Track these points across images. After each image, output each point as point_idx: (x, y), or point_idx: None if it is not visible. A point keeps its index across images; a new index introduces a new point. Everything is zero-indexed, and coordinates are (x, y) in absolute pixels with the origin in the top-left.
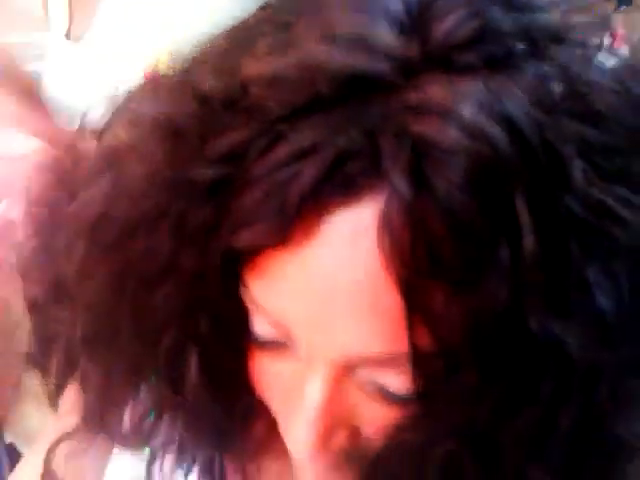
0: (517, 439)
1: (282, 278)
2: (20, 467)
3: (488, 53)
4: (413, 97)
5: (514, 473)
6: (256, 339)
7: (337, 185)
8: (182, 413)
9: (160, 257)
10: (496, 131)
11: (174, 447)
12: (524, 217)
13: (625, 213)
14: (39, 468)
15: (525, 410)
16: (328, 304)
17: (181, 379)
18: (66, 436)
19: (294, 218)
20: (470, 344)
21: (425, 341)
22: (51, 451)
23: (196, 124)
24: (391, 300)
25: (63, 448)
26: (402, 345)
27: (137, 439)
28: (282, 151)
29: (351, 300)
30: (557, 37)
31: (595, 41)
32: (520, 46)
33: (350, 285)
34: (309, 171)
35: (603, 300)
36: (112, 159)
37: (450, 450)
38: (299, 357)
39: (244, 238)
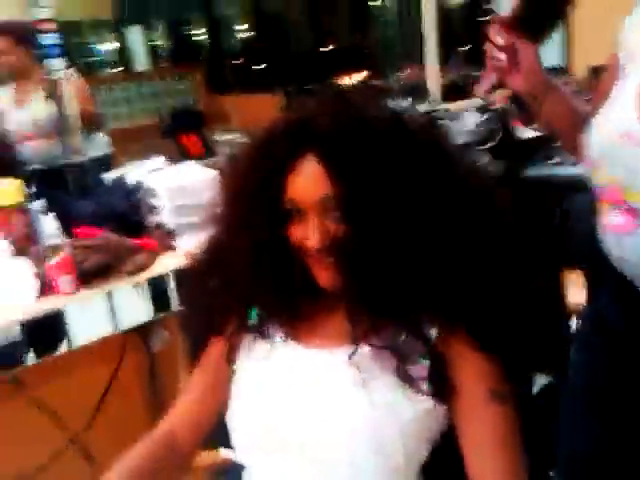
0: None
1: (293, 182)
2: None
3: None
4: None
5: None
6: (291, 216)
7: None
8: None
9: (256, 212)
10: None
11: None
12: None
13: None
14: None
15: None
16: (308, 179)
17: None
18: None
19: (288, 165)
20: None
21: (334, 190)
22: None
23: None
24: (325, 177)
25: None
26: (330, 190)
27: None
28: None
29: (313, 178)
30: None
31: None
32: None
33: (314, 174)
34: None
35: None
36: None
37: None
38: (305, 217)
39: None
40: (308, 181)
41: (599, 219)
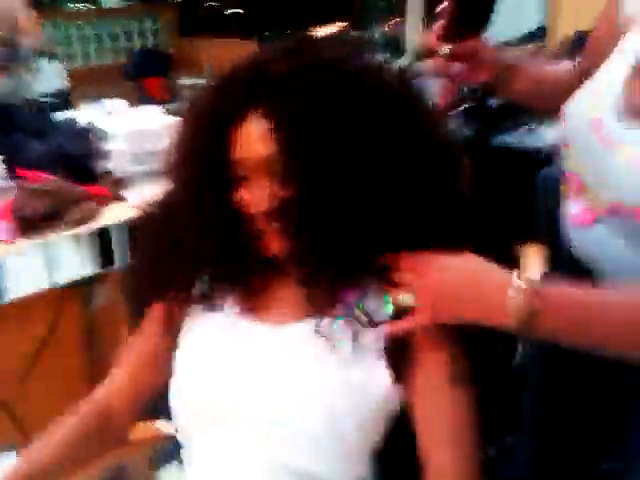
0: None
1: (238, 139)
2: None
3: None
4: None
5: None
6: (238, 177)
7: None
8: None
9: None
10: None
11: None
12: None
13: None
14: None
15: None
16: (252, 137)
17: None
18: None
19: (234, 121)
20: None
21: (277, 147)
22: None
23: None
24: (269, 135)
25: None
26: (273, 148)
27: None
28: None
29: (258, 136)
30: None
31: None
32: None
33: (260, 132)
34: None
35: None
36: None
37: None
38: (251, 179)
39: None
40: (252, 139)
41: (562, 202)
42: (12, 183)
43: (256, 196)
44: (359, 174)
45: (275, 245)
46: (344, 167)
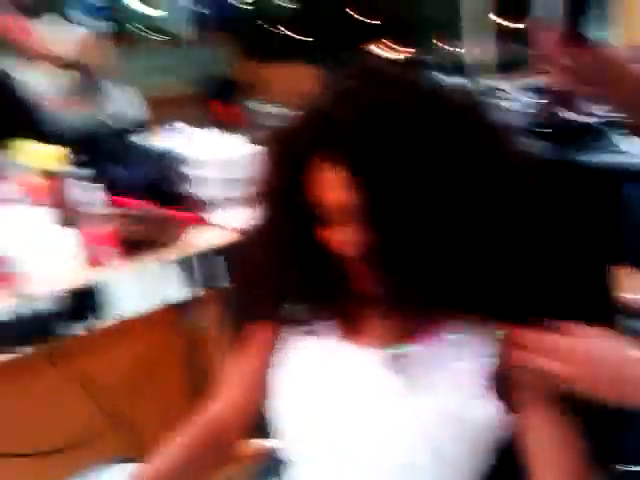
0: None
1: (313, 183)
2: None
3: None
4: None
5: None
6: (319, 219)
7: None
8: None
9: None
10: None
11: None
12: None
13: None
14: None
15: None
16: (326, 185)
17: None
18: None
19: (307, 166)
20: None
21: (355, 196)
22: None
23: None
24: (343, 184)
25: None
26: (350, 197)
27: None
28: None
29: (338, 183)
30: None
31: None
32: None
33: (334, 179)
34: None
35: None
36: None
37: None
38: (330, 220)
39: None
40: (328, 186)
41: None
42: (112, 210)
43: (342, 240)
44: (443, 213)
45: (365, 284)
46: (427, 208)
